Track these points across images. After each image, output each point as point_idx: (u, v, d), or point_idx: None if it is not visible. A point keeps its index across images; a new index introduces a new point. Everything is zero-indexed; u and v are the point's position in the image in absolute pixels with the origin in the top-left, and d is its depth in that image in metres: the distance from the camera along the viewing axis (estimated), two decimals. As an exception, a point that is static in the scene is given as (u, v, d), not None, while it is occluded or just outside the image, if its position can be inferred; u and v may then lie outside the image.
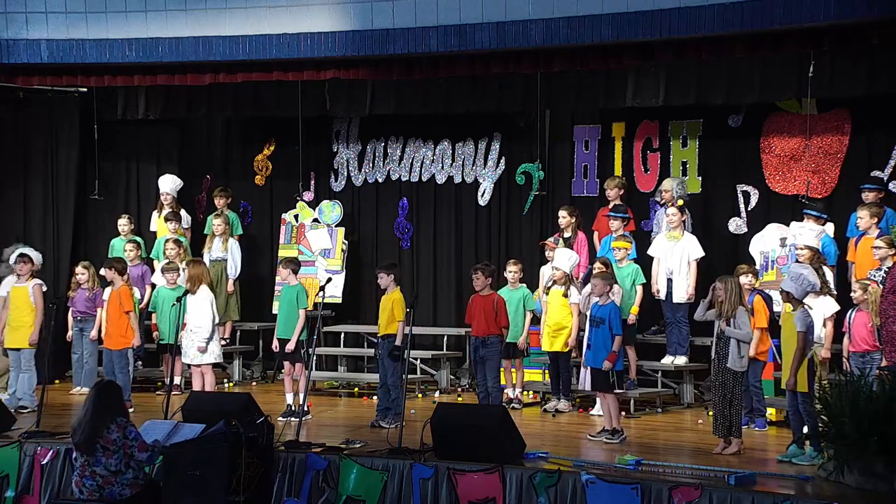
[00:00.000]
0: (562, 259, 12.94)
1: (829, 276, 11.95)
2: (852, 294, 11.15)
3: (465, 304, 15.05)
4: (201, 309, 12.86)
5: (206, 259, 15.36)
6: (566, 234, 13.74)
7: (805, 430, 9.95)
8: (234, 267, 15.37)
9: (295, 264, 13.02)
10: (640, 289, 13.02)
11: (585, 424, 12.18)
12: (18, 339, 13.19)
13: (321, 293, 12.01)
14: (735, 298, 10.52)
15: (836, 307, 11.52)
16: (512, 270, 13.24)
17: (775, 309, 12.11)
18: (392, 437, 10.42)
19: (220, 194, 15.66)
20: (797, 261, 12.08)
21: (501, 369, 12.92)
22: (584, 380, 12.36)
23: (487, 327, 12.23)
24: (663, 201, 13.59)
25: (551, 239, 13.80)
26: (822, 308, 11.46)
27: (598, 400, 12.62)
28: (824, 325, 11.44)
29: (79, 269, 14.45)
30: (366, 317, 15.32)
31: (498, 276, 13.14)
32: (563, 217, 13.76)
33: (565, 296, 12.78)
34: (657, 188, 13.97)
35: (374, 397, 13.87)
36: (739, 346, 10.48)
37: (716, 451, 10.37)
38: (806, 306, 10.33)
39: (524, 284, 13.29)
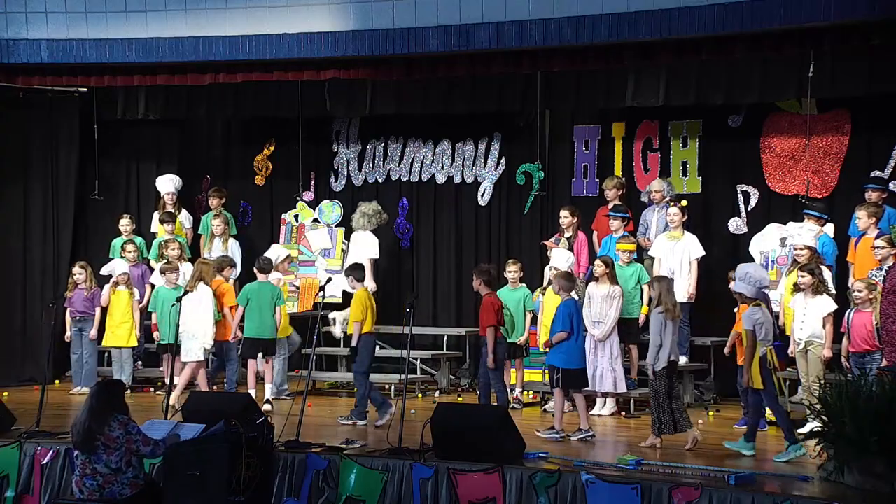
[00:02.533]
0: (559, 259, 12.93)
1: (828, 275, 11.95)
2: (856, 293, 11.13)
3: (465, 304, 15.14)
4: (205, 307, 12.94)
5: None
6: (567, 234, 13.75)
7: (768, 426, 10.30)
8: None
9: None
10: (645, 288, 12.99)
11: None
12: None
13: (321, 293, 12.01)
14: (668, 298, 10.78)
15: (834, 306, 11.52)
16: (511, 270, 13.25)
17: (774, 309, 12.12)
18: (392, 437, 10.42)
19: (215, 194, 15.67)
20: (795, 261, 12.09)
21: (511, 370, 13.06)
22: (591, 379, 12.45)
23: (482, 328, 12.26)
24: (654, 201, 13.61)
25: (553, 239, 13.80)
26: (820, 308, 11.47)
27: (597, 400, 12.64)
28: (823, 324, 11.44)
29: (76, 269, 14.48)
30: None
31: (499, 276, 13.13)
32: (565, 217, 13.76)
33: None
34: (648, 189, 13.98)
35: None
36: (659, 348, 10.66)
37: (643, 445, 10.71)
38: (760, 305, 10.54)
39: (524, 284, 13.30)
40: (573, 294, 11.67)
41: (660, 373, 10.69)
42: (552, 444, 10.81)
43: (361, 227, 15.02)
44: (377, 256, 14.91)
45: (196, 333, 12.89)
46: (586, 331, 11.98)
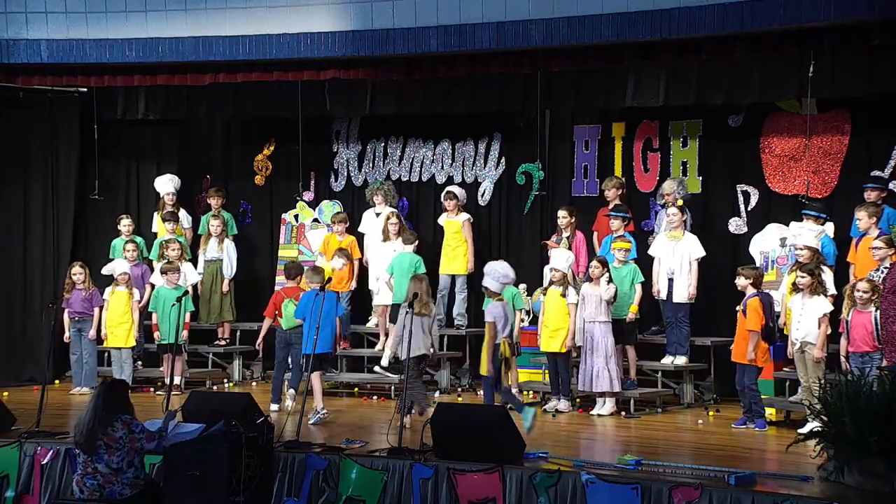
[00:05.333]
0: (559, 259, 12.94)
1: (828, 276, 11.94)
2: (858, 294, 11.12)
3: (465, 304, 15.10)
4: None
5: (201, 259, 15.42)
6: (566, 234, 13.75)
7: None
8: (230, 267, 15.40)
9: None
10: (638, 287, 13.03)
11: (585, 424, 12.19)
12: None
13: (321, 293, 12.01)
14: (425, 298, 11.62)
15: (830, 307, 11.51)
16: None
17: (775, 309, 12.13)
18: (392, 437, 10.43)
19: (215, 195, 15.68)
20: (796, 261, 12.09)
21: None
22: (584, 379, 12.49)
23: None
24: (664, 203, 13.60)
25: (553, 238, 13.79)
26: (816, 308, 11.47)
27: (596, 400, 12.65)
28: (818, 325, 11.44)
29: (75, 270, 14.47)
30: (366, 316, 15.31)
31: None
32: (563, 217, 13.77)
33: (563, 296, 12.77)
34: (657, 190, 13.97)
35: (375, 397, 13.96)
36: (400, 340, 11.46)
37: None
38: (503, 300, 11.67)
39: (515, 286, 13.28)
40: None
41: (408, 362, 11.18)
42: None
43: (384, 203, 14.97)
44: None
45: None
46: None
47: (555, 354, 12.82)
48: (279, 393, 12.87)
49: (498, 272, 11.85)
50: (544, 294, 12.99)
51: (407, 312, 11.33)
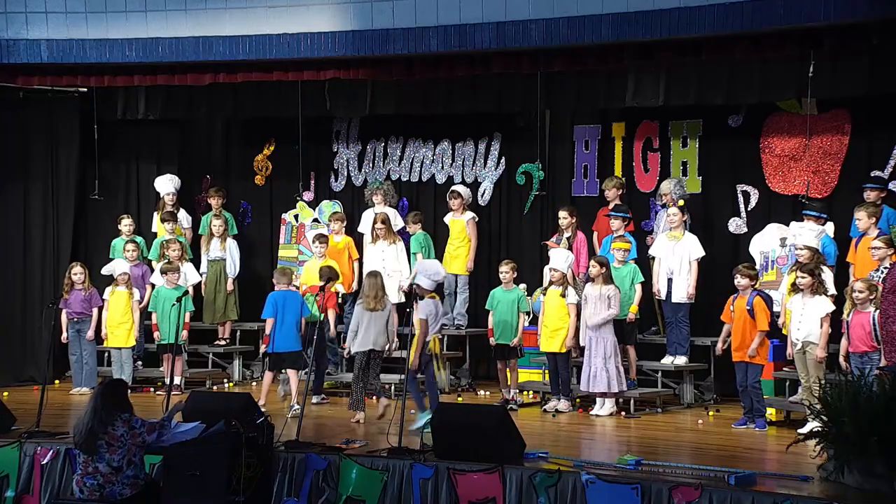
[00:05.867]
0: (558, 259, 12.94)
1: (829, 276, 11.94)
2: (855, 294, 11.13)
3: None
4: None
5: (204, 259, 15.41)
6: (566, 234, 13.75)
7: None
8: (233, 266, 15.40)
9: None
10: (638, 288, 13.03)
11: (585, 424, 12.19)
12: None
13: (321, 293, 12.01)
14: (377, 294, 12.16)
15: (831, 307, 11.51)
16: (503, 271, 13.26)
17: (775, 309, 12.13)
18: (392, 437, 10.43)
19: (216, 194, 15.67)
20: (797, 261, 12.08)
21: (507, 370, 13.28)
22: (584, 380, 12.49)
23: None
24: (663, 203, 13.60)
25: (553, 239, 13.78)
26: (817, 308, 11.47)
27: (596, 400, 12.65)
28: (820, 324, 11.44)
29: (76, 270, 14.46)
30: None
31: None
32: (564, 218, 13.77)
33: (563, 296, 12.78)
34: (656, 190, 13.98)
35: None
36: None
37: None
38: (435, 297, 12.00)
39: (518, 286, 13.29)
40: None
41: (357, 355, 12.12)
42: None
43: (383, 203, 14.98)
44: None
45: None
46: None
47: (554, 354, 12.83)
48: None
49: (430, 270, 12.13)
50: (544, 294, 12.99)
51: (358, 304, 12.16)
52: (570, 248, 13.53)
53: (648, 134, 14.47)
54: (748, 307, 11.73)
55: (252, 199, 16.58)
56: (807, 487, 8.90)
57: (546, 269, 13.48)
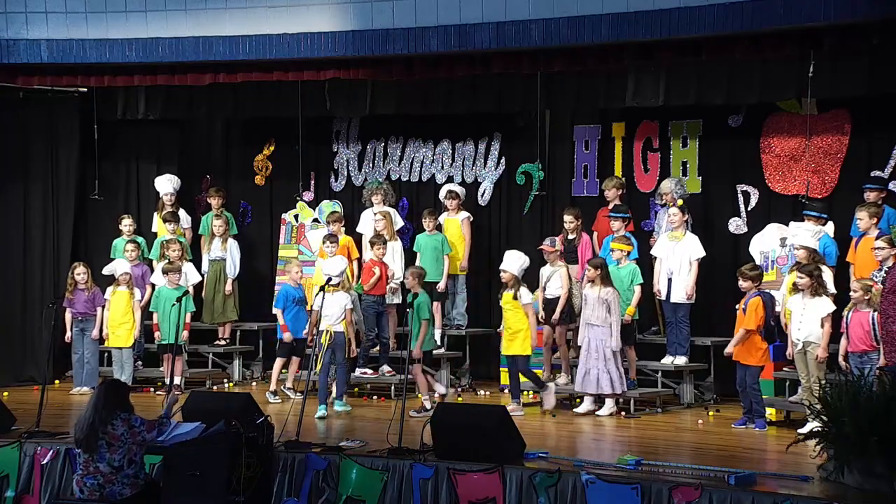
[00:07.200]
0: (509, 261, 12.76)
1: (829, 276, 11.94)
2: (852, 294, 11.14)
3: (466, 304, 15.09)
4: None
5: (205, 259, 15.42)
6: (570, 237, 13.76)
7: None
8: (233, 267, 15.40)
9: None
10: (637, 289, 13.00)
11: (585, 424, 12.19)
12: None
13: (321, 293, 12.01)
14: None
15: (832, 307, 11.51)
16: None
17: (776, 309, 12.13)
18: (392, 437, 10.42)
19: (216, 194, 15.68)
20: (796, 261, 12.09)
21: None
22: (580, 381, 12.45)
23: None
24: (663, 202, 13.60)
25: (547, 242, 13.63)
26: (818, 308, 11.47)
27: (585, 399, 12.61)
28: (821, 324, 11.44)
29: (79, 270, 14.46)
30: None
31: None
32: (570, 222, 13.74)
33: (515, 298, 12.61)
34: (656, 190, 13.97)
35: (375, 397, 13.95)
36: None
37: None
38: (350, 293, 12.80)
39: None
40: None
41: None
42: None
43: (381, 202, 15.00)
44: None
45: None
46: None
47: (514, 357, 12.65)
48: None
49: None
50: (500, 298, 12.85)
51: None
52: (574, 251, 13.52)
53: (648, 134, 14.47)
54: (743, 307, 11.75)
55: (252, 199, 16.58)
56: (807, 487, 8.91)
57: (543, 269, 13.40)
